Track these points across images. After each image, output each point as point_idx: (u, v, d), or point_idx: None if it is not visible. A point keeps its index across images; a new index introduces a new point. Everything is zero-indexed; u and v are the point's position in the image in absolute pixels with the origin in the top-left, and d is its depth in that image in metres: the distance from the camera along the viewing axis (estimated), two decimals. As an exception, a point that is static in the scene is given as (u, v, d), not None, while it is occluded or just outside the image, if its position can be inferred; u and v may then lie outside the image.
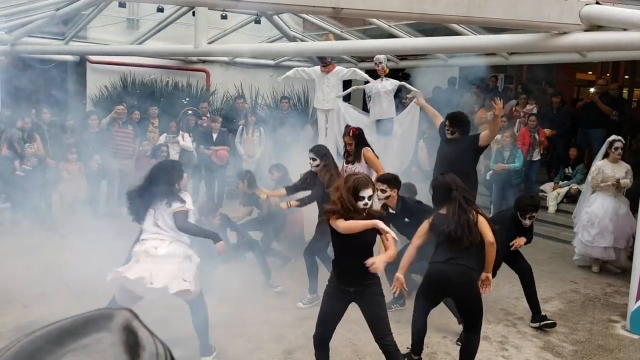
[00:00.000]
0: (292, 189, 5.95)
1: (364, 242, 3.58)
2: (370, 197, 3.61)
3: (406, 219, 5.03)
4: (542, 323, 5.18)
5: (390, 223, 4.64)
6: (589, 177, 7.22)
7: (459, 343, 4.56)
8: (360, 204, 3.54)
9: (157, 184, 4.17)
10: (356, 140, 6.19)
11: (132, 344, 0.60)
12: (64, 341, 0.59)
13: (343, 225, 3.48)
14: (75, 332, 0.60)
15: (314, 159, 5.75)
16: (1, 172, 7.69)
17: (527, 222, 5.12)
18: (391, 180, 5.12)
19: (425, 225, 4.13)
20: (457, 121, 6.02)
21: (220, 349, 4.53)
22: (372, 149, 6.28)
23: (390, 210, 5.02)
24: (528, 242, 5.29)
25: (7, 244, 7.17)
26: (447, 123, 6.06)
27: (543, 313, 5.28)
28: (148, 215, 4.20)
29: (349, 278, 3.66)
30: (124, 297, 4.15)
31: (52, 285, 5.64)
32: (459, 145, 5.93)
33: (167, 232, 4.14)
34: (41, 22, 7.81)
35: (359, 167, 6.07)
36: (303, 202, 5.75)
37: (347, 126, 6.55)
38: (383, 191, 5.00)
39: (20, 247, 6.91)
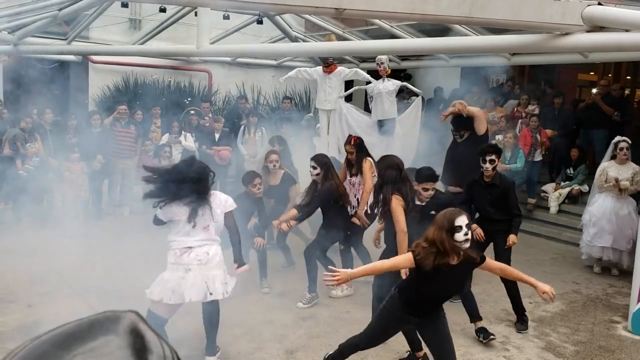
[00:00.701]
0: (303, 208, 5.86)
1: (446, 296, 3.53)
2: (468, 225, 3.26)
3: (432, 212, 4.90)
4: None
5: (413, 212, 4.68)
6: (595, 178, 7.24)
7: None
8: (460, 235, 3.20)
9: (198, 185, 3.99)
10: (357, 149, 6.17)
11: (139, 347, 0.59)
12: (71, 345, 0.59)
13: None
14: (82, 336, 0.60)
15: (314, 167, 5.75)
16: (3, 171, 7.71)
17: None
18: (434, 176, 4.99)
19: None
20: (463, 124, 6.06)
21: (223, 348, 4.54)
22: (372, 159, 6.13)
23: (418, 202, 4.87)
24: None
25: (10, 243, 7.19)
26: (453, 127, 6.13)
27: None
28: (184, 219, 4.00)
29: (421, 311, 3.49)
30: (163, 310, 4.01)
31: (55, 285, 5.65)
32: (467, 142, 6.00)
33: (212, 236, 4.07)
34: (44, 22, 7.83)
35: (360, 179, 6.15)
36: (301, 218, 5.75)
37: (349, 135, 6.53)
38: (426, 189, 4.84)
39: (23, 247, 6.92)
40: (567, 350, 4.84)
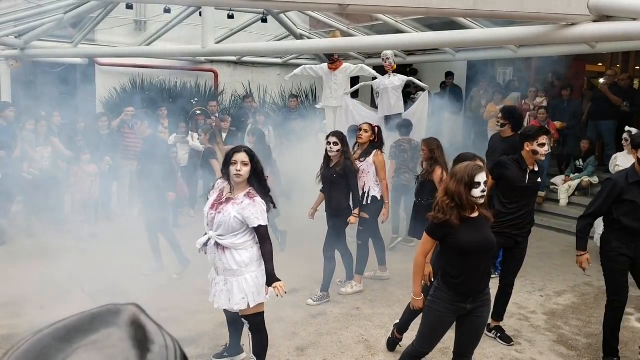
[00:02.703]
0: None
1: (488, 244, 3.29)
2: (486, 183, 3.24)
3: (539, 180, 4.73)
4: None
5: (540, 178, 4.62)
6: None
7: None
8: (477, 191, 3.17)
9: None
10: (372, 132, 6.00)
11: (140, 338, 0.60)
12: (73, 338, 0.59)
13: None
14: (83, 329, 0.61)
15: (335, 144, 5.49)
16: (12, 174, 7.77)
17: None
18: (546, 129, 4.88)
19: None
20: (510, 113, 5.94)
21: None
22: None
23: (535, 169, 4.60)
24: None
25: (22, 246, 7.25)
26: (499, 116, 6.04)
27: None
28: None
29: (469, 291, 3.29)
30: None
31: (66, 287, 5.69)
32: (512, 140, 5.63)
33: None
34: (50, 25, 7.88)
35: (365, 165, 6.01)
36: (359, 204, 5.71)
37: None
38: (542, 145, 4.50)
39: (35, 249, 6.98)
40: (580, 343, 4.81)
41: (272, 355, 4.41)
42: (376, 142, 6.03)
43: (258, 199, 3.56)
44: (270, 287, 3.60)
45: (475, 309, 3.30)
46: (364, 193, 5.91)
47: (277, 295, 3.58)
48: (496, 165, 4.67)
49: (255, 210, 3.52)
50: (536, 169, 4.57)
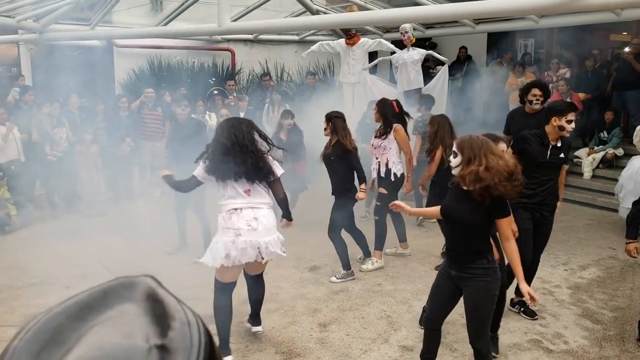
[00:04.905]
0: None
1: (452, 216, 3.28)
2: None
3: (561, 155, 4.55)
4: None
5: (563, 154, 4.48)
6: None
7: None
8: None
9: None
10: (379, 108, 5.89)
11: (159, 313, 0.56)
12: (86, 315, 0.56)
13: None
14: (97, 305, 0.57)
15: (325, 125, 5.58)
16: (34, 157, 7.88)
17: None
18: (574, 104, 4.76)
19: None
20: (546, 89, 5.45)
21: (257, 323, 4.60)
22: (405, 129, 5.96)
23: (558, 144, 4.45)
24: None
25: (46, 227, 7.38)
26: (537, 92, 5.26)
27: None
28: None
29: (450, 259, 3.37)
30: (226, 275, 4.02)
31: (91, 267, 5.78)
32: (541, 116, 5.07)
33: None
34: (67, 8, 7.88)
35: (386, 142, 5.92)
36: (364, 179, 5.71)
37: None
38: (570, 121, 4.36)
39: (59, 231, 7.10)
40: (605, 317, 4.75)
41: (295, 331, 4.44)
42: (391, 119, 5.88)
43: None
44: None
45: (461, 280, 3.29)
46: (387, 170, 5.86)
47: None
48: (518, 139, 4.56)
49: None
50: (559, 144, 4.44)
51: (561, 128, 4.33)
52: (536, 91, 5.26)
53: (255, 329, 4.38)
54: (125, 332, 0.53)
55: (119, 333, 0.53)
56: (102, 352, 0.51)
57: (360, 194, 5.59)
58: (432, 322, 3.55)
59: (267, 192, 4.04)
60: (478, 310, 3.31)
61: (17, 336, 0.54)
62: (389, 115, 5.86)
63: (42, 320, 0.56)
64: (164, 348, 0.52)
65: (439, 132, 5.75)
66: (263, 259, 3.93)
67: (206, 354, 0.54)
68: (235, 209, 3.88)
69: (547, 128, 4.41)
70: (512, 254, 3.25)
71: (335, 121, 5.50)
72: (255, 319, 4.40)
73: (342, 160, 5.45)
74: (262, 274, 4.24)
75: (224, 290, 4.01)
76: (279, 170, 4.03)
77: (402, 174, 5.89)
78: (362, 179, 5.58)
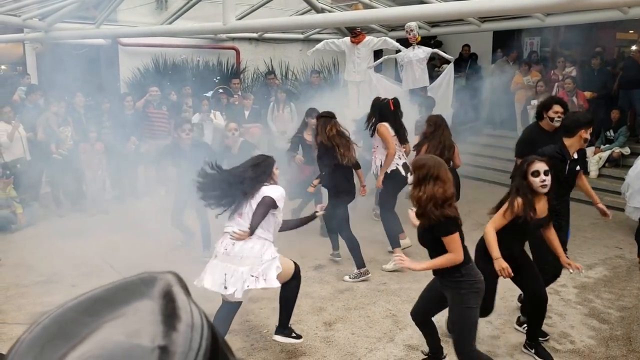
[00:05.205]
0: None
1: (428, 237, 3.37)
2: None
3: (577, 167, 4.57)
4: None
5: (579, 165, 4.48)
6: None
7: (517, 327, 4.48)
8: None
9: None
10: (371, 110, 6.06)
11: (169, 312, 0.55)
12: (100, 311, 0.55)
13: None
14: (112, 301, 0.56)
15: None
16: (40, 156, 7.89)
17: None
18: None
19: None
20: (566, 106, 5.16)
21: (262, 321, 4.60)
22: (389, 125, 5.97)
23: (575, 156, 4.46)
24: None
25: (52, 226, 7.40)
26: (559, 109, 4.93)
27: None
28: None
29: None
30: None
31: (97, 265, 5.79)
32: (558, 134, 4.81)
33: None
34: (72, 7, 7.89)
35: (375, 142, 6.02)
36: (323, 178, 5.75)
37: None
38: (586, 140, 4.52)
39: (64, 229, 7.12)
40: (612, 317, 4.73)
41: (300, 329, 4.43)
42: (377, 118, 6.00)
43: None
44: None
45: (442, 289, 3.42)
46: (377, 167, 6.08)
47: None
48: (550, 157, 4.36)
49: None
50: (575, 156, 4.43)
51: (585, 140, 4.37)
52: (558, 108, 4.95)
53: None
54: (132, 330, 0.52)
55: (125, 331, 0.52)
56: (103, 350, 0.50)
57: (310, 188, 5.85)
58: (414, 315, 3.78)
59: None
60: (456, 321, 3.38)
61: (28, 329, 0.54)
62: (377, 113, 5.97)
63: (54, 314, 0.55)
64: (165, 350, 0.51)
65: (437, 131, 5.79)
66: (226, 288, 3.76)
67: (205, 359, 0.52)
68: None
69: (570, 141, 4.36)
70: (444, 264, 3.30)
71: (320, 121, 5.61)
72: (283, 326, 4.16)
73: (320, 160, 5.59)
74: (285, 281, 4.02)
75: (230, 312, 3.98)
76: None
77: (394, 170, 5.88)
78: (319, 175, 5.74)
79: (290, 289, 4.03)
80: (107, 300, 0.56)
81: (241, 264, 3.79)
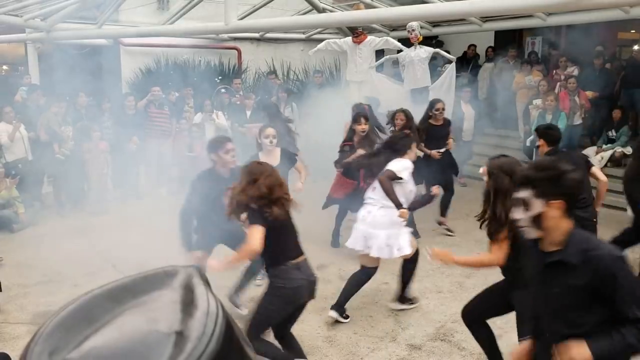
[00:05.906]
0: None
1: None
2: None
3: None
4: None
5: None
6: None
7: None
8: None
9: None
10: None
11: (188, 301, 0.59)
12: (123, 299, 0.59)
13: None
14: (136, 290, 0.60)
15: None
16: (41, 156, 7.90)
17: None
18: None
19: None
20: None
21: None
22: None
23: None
24: None
25: (54, 226, 7.41)
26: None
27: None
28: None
29: None
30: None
31: (99, 265, 5.80)
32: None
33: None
34: (74, 7, 7.90)
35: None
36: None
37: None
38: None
39: (67, 229, 7.12)
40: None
41: (302, 329, 4.44)
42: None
43: None
44: None
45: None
46: None
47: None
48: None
49: None
50: None
51: None
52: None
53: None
54: (151, 317, 0.57)
55: (145, 318, 0.57)
56: (123, 334, 0.55)
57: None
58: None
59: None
60: (256, 308, 3.56)
61: (57, 314, 0.58)
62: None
63: (81, 300, 0.60)
64: (181, 334, 0.55)
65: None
66: None
67: (218, 344, 0.56)
68: None
69: None
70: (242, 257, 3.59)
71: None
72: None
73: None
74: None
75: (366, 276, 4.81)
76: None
77: None
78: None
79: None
80: (131, 289, 0.61)
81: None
